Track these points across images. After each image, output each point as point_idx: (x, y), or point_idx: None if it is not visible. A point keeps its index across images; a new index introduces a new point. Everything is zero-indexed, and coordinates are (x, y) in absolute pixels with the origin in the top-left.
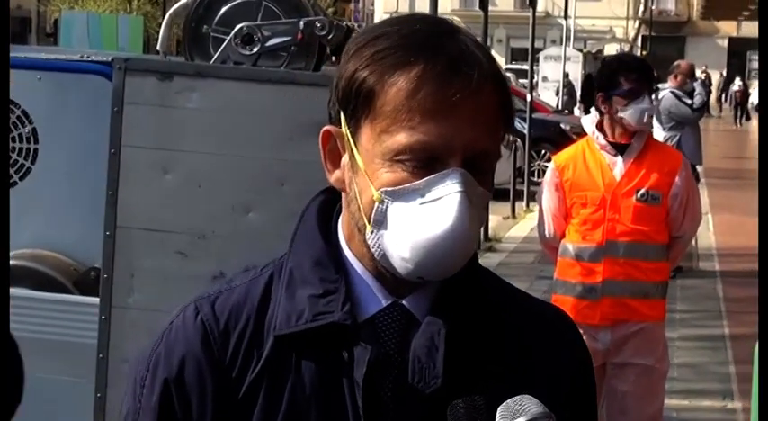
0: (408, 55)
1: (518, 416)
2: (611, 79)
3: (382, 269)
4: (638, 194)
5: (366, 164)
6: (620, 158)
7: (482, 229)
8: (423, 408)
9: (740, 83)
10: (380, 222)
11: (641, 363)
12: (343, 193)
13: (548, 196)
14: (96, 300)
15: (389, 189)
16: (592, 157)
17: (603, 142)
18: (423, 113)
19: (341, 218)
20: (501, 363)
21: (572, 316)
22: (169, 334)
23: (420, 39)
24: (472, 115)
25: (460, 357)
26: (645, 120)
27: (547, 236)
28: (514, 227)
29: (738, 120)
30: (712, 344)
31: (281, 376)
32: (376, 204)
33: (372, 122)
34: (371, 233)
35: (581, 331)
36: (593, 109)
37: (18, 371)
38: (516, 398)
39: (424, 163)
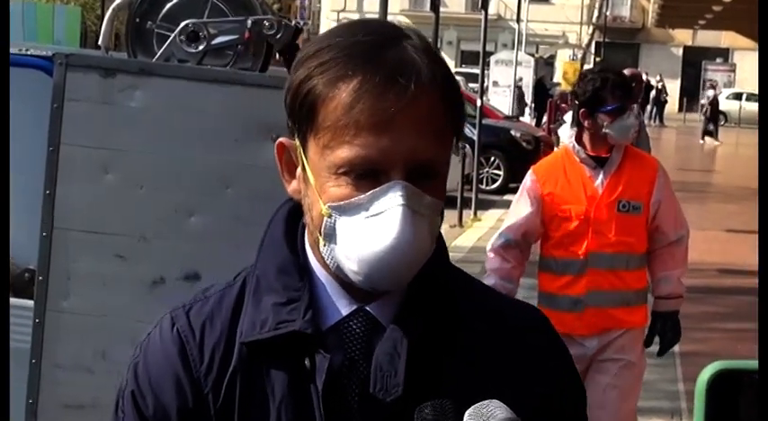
0: (347, 68)
1: None
2: (596, 96)
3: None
4: (620, 205)
5: (315, 177)
6: (600, 171)
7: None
8: (385, 416)
9: (711, 93)
10: (330, 236)
11: (623, 358)
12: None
13: (527, 203)
14: (30, 302)
15: (335, 204)
16: (572, 170)
17: (584, 156)
18: (360, 127)
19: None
20: (466, 371)
21: (559, 328)
22: (147, 345)
23: (360, 50)
24: (411, 126)
25: (424, 365)
26: (630, 136)
27: (508, 240)
28: (461, 235)
29: (704, 136)
30: (662, 361)
31: (252, 385)
32: (325, 218)
33: (316, 136)
34: (324, 246)
35: (568, 340)
36: (566, 118)
37: None
38: (484, 402)
39: (367, 175)
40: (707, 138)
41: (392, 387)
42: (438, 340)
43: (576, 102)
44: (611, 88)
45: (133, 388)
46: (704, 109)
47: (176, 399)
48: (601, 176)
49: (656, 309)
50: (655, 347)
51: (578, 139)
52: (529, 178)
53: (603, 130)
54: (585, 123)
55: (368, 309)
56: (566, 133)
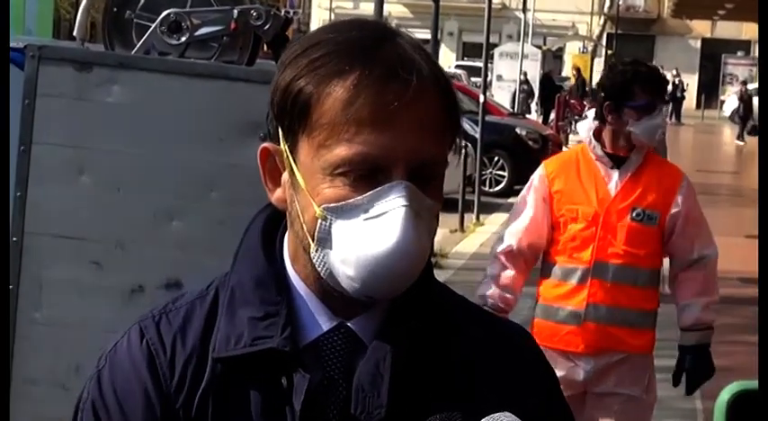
0: (344, 63)
1: None
2: (625, 89)
3: (329, 289)
4: (634, 213)
5: (306, 180)
6: (616, 172)
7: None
8: None
9: (739, 89)
10: (324, 240)
11: (626, 393)
12: (286, 212)
13: (532, 204)
14: None
15: (331, 205)
16: (586, 168)
17: (600, 153)
18: (360, 124)
19: (286, 236)
20: (451, 391)
21: (553, 342)
22: (114, 356)
23: (356, 45)
24: (413, 122)
25: (408, 385)
26: (657, 137)
27: (511, 246)
28: (463, 241)
29: (745, 135)
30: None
31: (225, 403)
32: (319, 221)
33: (310, 136)
34: (316, 251)
35: (562, 358)
36: (589, 113)
37: None
38: (495, 415)
39: (366, 176)
40: (746, 137)
41: (374, 409)
42: (425, 356)
43: (602, 94)
44: (642, 82)
45: (96, 399)
46: (737, 107)
47: (144, 415)
48: (616, 178)
49: (682, 344)
50: (669, 361)
51: (597, 135)
52: (538, 173)
53: (628, 128)
54: (609, 118)
55: (349, 324)
56: (584, 127)
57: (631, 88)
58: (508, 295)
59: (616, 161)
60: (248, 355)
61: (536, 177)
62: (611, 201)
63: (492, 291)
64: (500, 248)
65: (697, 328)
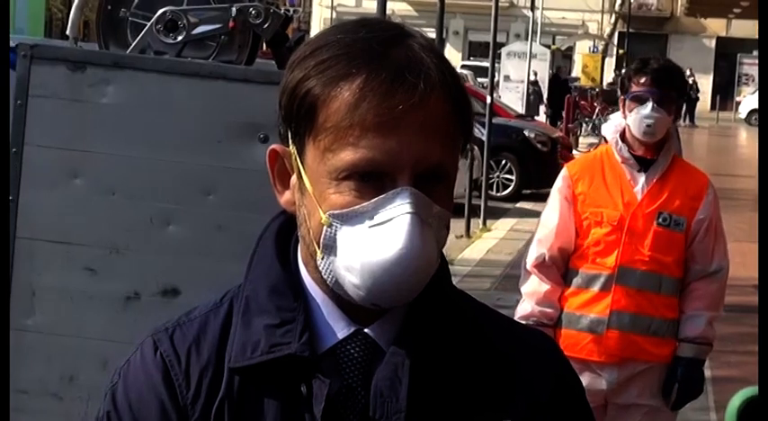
0: (350, 65)
1: None
2: (625, 81)
3: (341, 295)
4: (660, 218)
5: (313, 184)
6: (643, 175)
7: None
8: None
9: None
10: (330, 247)
11: (648, 404)
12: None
13: (557, 207)
14: None
15: (337, 212)
16: (611, 171)
17: (627, 155)
18: (366, 128)
19: (300, 241)
20: (470, 396)
21: (575, 351)
22: (127, 371)
23: (363, 47)
24: (420, 127)
25: (426, 390)
26: (643, 130)
27: (542, 255)
28: (469, 247)
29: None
30: None
31: (241, 413)
32: (324, 228)
33: (315, 139)
34: (322, 258)
35: (584, 368)
36: (613, 116)
37: None
38: None
39: (372, 181)
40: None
41: (393, 413)
42: (443, 361)
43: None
44: (638, 73)
45: (111, 415)
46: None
47: None
48: (642, 181)
49: (680, 354)
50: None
51: (623, 137)
52: (560, 176)
53: (626, 121)
54: (622, 113)
55: (366, 331)
56: (609, 129)
57: (629, 79)
58: (549, 310)
59: (643, 164)
60: (265, 363)
61: (559, 179)
62: (638, 205)
63: (532, 309)
64: (531, 261)
65: (698, 342)
